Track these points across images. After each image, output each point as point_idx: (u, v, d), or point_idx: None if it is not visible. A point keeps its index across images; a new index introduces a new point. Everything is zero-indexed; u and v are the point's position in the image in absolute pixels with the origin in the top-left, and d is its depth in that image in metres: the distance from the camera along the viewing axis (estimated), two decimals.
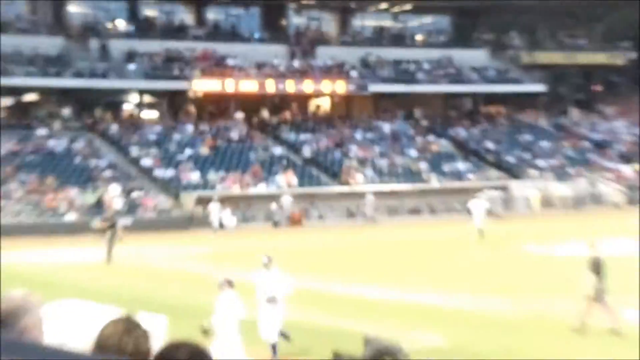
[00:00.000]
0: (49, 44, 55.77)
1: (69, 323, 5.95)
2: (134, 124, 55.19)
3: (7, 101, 56.77)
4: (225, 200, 45.27)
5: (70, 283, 25.10)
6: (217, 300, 14.30)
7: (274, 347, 15.06)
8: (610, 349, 16.24)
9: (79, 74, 54.29)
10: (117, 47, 56.88)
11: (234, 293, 14.05)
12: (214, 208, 43.54)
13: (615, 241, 26.36)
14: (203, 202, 45.70)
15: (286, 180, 50.16)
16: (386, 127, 58.38)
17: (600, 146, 60.23)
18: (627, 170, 55.93)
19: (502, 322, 20.01)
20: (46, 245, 36.56)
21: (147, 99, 58.99)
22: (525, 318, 19.86)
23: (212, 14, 65.11)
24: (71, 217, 43.64)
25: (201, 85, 55.12)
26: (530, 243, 35.16)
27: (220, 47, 59.00)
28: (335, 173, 51.87)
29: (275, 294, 15.52)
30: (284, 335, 15.20)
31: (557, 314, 18.63)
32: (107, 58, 55.72)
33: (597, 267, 18.04)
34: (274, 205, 46.19)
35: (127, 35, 60.33)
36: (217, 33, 62.67)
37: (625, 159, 58.39)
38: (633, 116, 64.39)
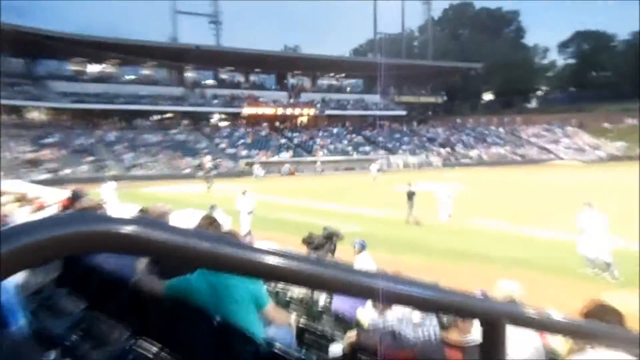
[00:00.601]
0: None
1: (185, 220, 6.74)
2: (218, 128, 67.89)
3: None
4: (258, 164, 54.43)
5: (187, 201, 24.06)
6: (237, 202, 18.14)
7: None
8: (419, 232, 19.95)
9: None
10: (215, 92, 69.64)
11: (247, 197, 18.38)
12: (255, 167, 52.40)
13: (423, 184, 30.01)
14: (249, 164, 55.12)
15: (287, 155, 60.18)
16: (334, 130, 71.14)
17: (431, 140, 74.17)
18: (442, 150, 70.13)
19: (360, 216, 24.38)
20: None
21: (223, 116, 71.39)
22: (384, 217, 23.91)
23: (252, 77, 76.34)
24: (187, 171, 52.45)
25: (247, 110, 68.08)
26: (398, 184, 37.69)
27: (256, 93, 71.58)
28: (310, 151, 63.06)
29: (249, 209, 18.33)
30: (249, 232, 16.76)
31: (401, 216, 21.22)
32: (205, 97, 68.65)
33: (410, 195, 21.98)
34: (284, 167, 56.24)
35: (218, 86, 71.89)
36: (254, 86, 74.76)
37: (442, 145, 72.12)
38: (446, 127, 79.44)
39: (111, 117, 61.99)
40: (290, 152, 61.64)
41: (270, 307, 3.67)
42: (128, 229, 0.70)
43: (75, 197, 6.88)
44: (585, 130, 79.76)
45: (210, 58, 67.68)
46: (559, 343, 4.28)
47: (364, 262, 10.25)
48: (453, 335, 3.22)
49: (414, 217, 21.49)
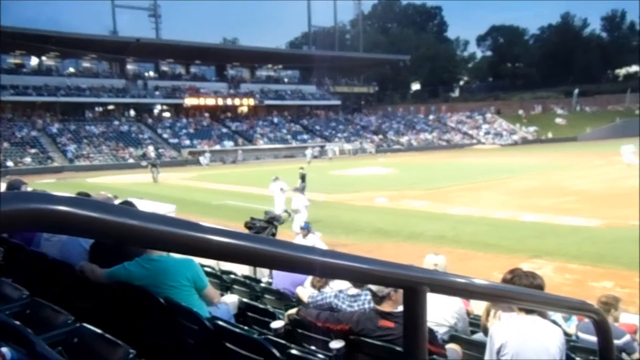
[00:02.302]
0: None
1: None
2: (161, 119, 66.14)
3: None
4: (201, 153, 54.82)
5: (132, 190, 25.60)
6: None
7: None
8: None
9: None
10: (157, 83, 67.57)
11: None
12: (201, 156, 53.28)
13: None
14: (193, 153, 55.37)
15: (228, 145, 59.91)
16: (275, 120, 71.02)
17: (364, 128, 75.37)
18: (375, 137, 71.30)
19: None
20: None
21: (165, 107, 69.19)
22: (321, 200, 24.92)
23: (193, 69, 74.65)
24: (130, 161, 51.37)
25: (189, 101, 66.03)
26: (333, 170, 41.76)
27: (197, 84, 69.94)
28: (250, 139, 62.96)
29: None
30: None
31: (335, 198, 26.00)
32: (147, 88, 66.83)
33: (303, 177, 22.84)
34: (227, 154, 56.92)
35: (159, 78, 70.02)
36: (195, 77, 73.21)
37: (375, 132, 73.50)
38: (378, 115, 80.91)
39: (53, 109, 59.34)
40: (232, 143, 61.01)
41: (209, 288, 3.62)
42: (62, 207, 0.66)
43: (11, 188, 6.57)
44: (502, 117, 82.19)
45: (151, 50, 65.67)
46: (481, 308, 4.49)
47: (314, 244, 10.28)
48: (386, 307, 3.31)
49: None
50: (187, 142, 58.74)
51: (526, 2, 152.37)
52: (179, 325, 2.36)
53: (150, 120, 63.57)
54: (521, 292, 2.05)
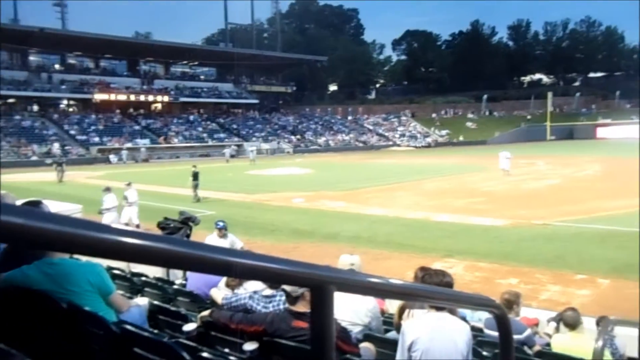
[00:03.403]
0: None
1: None
2: (68, 114, 63.06)
3: None
4: (112, 150, 53.90)
5: (35, 189, 25.29)
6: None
7: None
8: None
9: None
10: (60, 77, 64.63)
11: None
12: (111, 155, 52.32)
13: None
14: (102, 151, 54.09)
15: (141, 142, 58.08)
16: (190, 118, 69.91)
17: (282, 127, 75.65)
18: (293, 138, 71.54)
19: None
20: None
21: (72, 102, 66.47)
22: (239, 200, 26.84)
23: (103, 63, 72.17)
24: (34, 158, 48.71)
25: (99, 96, 63.95)
26: (251, 170, 41.48)
27: (107, 79, 67.59)
28: (165, 137, 60.90)
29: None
30: None
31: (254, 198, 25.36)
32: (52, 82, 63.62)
33: (195, 175, 23.19)
34: (140, 150, 54.86)
35: (66, 71, 67.02)
36: (105, 72, 70.57)
37: (292, 132, 73.70)
38: (296, 116, 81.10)
39: None
40: (145, 140, 59.26)
41: (116, 296, 3.44)
42: None
43: None
44: (417, 120, 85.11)
45: (56, 42, 62.29)
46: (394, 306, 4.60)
47: (232, 243, 10.18)
48: (300, 307, 3.33)
49: (197, 196, 22.82)
50: (97, 139, 56.67)
51: (438, 9, 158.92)
52: (83, 331, 2.26)
53: (55, 116, 60.62)
54: (429, 290, 2.10)
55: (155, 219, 11.49)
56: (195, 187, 23.05)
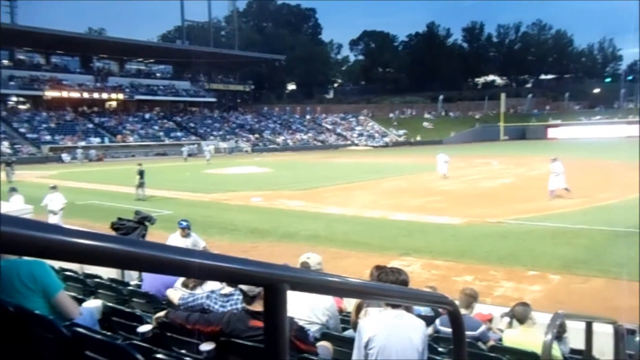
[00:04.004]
0: None
1: None
2: (18, 112, 61.06)
3: None
4: (65, 149, 52.64)
5: None
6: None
7: None
8: None
9: None
10: (12, 73, 61.99)
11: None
12: (64, 154, 50.71)
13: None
14: (54, 149, 52.57)
15: (95, 141, 57.21)
16: (146, 116, 68.53)
17: (240, 126, 75.19)
18: (251, 136, 71.14)
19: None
20: None
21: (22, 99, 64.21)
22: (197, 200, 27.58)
23: (54, 59, 70.36)
24: None
25: (50, 93, 62.04)
26: (209, 169, 41.28)
27: (59, 75, 65.66)
28: (121, 135, 60.25)
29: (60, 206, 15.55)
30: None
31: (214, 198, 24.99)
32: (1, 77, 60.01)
33: (141, 173, 23.02)
34: (90, 151, 53.03)
35: (15, 67, 64.46)
36: (57, 68, 68.69)
37: (251, 131, 73.19)
38: (255, 115, 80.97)
39: None
40: (98, 139, 58.19)
41: (63, 298, 3.36)
42: None
43: None
44: (374, 120, 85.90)
45: (5, 36, 58.73)
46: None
47: (195, 242, 10.05)
48: (257, 306, 3.31)
49: (143, 194, 22.88)
50: (48, 137, 55.04)
51: (395, 10, 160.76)
52: (32, 335, 2.19)
53: (4, 113, 57.90)
54: (384, 289, 2.12)
55: (107, 219, 11.28)
56: (141, 185, 22.94)
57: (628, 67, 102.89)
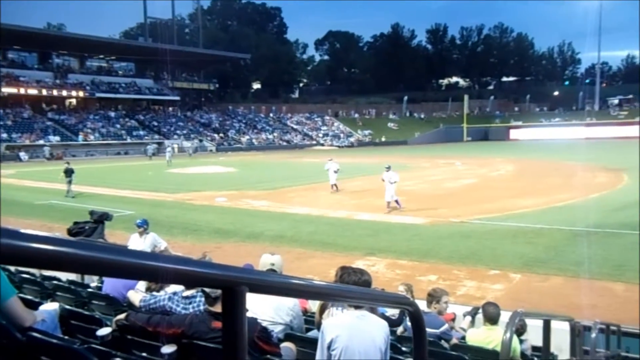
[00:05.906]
0: None
1: None
2: None
3: None
4: (22, 147, 52.07)
5: None
6: None
7: None
8: None
9: None
10: None
11: None
12: (21, 153, 50.27)
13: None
14: (11, 148, 51.43)
15: (54, 139, 55.79)
16: (108, 114, 67.41)
17: (205, 125, 74.30)
18: (216, 135, 70.75)
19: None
20: None
21: None
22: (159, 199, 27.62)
23: (11, 54, 67.91)
24: None
25: (6, 90, 60.17)
26: (172, 168, 40.71)
27: (16, 71, 63.60)
28: (77, 133, 59.13)
29: None
30: None
31: (177, 197, 25.17)
32: None
33: (67, 172, 23.47)
34: (44, 149, 52.10)
35: None
36: (14, 64, 66.33)
37: (215, 130, 72.86)
38: (219, 113, 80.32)
39: None
40: (57, 136, 56.89)
41: (15, 303, 3.12)
42: None
43: None
44: (340, 120, 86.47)
45: None
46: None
47: (154, 241, 9.85)
48: (219, 308, 3.27)
49: (72, 192, 23.10)
50: (5, 135, 53.36)
51: (360, 10, 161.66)
52: None
53: None
54: (344, 290, 2.12)
55: (71, 220, 11.05)
56: (69, 183, 23.26)
57: (586, 70, 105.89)
